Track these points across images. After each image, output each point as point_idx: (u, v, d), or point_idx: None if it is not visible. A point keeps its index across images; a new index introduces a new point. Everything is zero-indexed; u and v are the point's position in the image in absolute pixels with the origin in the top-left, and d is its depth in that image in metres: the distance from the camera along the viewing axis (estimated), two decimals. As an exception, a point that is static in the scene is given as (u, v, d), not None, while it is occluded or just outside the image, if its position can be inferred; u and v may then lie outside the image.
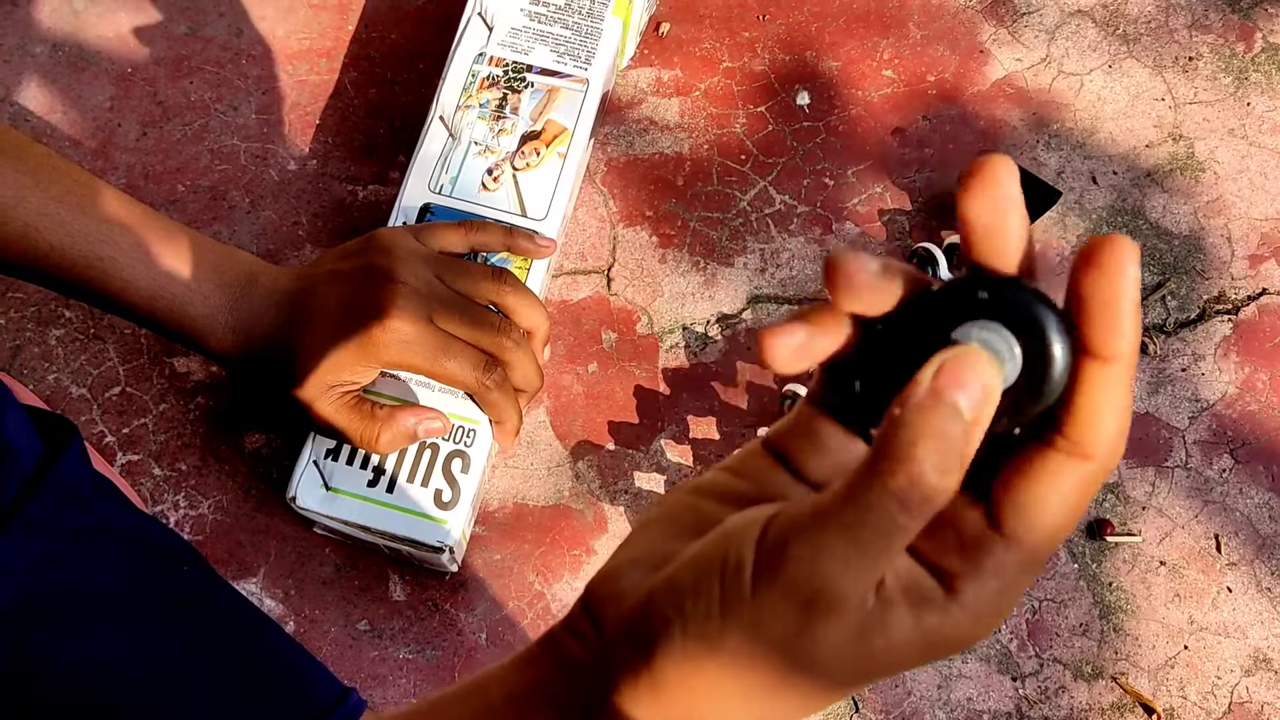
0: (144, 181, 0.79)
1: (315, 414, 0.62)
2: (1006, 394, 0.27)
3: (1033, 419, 0.27)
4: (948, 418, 0.26)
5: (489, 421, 0.66)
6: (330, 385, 0.61)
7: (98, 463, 0.69)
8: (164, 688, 0.54)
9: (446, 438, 0.66)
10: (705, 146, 0.82)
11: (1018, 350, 0.27)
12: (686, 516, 0.31)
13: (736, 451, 0.33)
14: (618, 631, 0.29)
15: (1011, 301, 0.27)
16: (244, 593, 0.68)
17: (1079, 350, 0.27)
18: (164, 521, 0.71)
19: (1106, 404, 0.27)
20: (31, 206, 0.57)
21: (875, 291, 0.28)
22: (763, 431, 0.75)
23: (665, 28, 0.85)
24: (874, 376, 0.29)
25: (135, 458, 0.73)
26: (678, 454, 0.75)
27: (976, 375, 0.26)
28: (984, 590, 0.28)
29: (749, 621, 0.27)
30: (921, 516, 0.26)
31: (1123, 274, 0.25)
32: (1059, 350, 0.26)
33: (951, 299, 0.27)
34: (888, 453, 0.26)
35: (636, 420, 0.75)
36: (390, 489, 0.64)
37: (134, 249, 0.59)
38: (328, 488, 0.65)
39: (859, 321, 0.29)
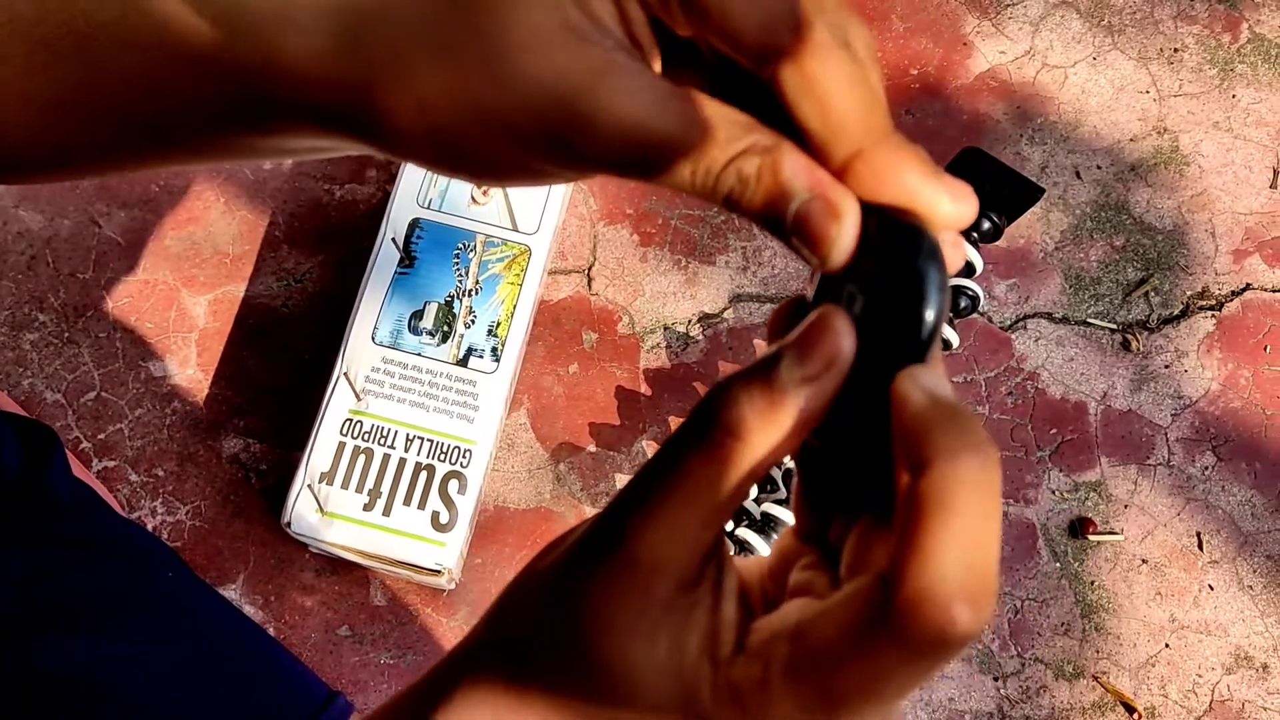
0: (118, 182, 0.78)
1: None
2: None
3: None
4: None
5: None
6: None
7: (77, 469, 0.68)
8: (153, 694, 0.53)
9: (441, 459, 0.65)
10: (686, 142, 0.81)
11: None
12: None
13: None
14: None
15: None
16: (223, 600, 0.68)
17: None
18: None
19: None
20: None
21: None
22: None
23: (645, 21, 0.84)
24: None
25: (111, 464, 0.72)
26: (659, 455, 0.74)
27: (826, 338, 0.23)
28: (754, 661, 0.23)
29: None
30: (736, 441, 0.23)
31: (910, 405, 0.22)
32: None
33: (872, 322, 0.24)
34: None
35: (618, 421, 0.74)
36: (386, 512, 0.64)
37: None
38: (323, 512, 0.64)
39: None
